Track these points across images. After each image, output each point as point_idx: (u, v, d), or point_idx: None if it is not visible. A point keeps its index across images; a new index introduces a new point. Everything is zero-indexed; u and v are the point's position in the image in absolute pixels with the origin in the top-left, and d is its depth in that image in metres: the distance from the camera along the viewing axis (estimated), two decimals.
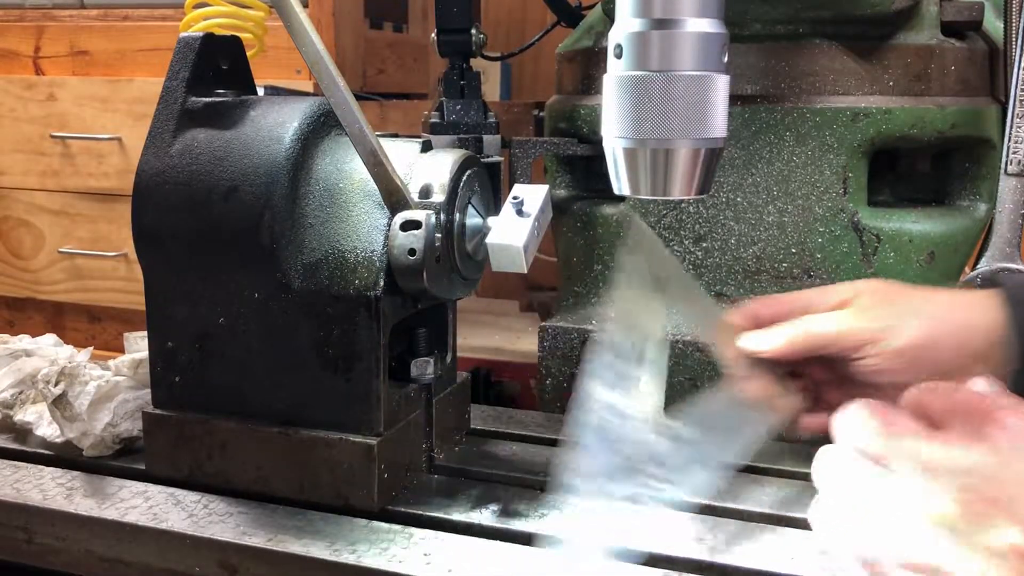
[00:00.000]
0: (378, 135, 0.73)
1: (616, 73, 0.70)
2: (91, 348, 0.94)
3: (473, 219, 0.77)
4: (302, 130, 0.76)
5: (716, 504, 0.76)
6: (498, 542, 0.71)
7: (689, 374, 1.03)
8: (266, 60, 0.92)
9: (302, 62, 0.69)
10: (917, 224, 1.02)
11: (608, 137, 0.72)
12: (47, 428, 0.86)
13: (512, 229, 0.73)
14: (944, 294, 0.71)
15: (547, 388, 1.11)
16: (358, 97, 0.72)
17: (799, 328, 0.69)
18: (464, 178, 0.76)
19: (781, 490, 0.79)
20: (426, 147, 0.78)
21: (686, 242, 1.05)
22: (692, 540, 0.71)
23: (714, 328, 0.73)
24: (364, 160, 0.72)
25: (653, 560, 0.68)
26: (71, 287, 1.90)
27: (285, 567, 0.69)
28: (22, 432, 0.89)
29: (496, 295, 2.18)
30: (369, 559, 0.68)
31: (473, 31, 1.19)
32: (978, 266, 0.98)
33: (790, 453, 0.86)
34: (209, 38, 0.81)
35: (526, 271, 0.73)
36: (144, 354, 0.85)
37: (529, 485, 0.81)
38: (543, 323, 1.10)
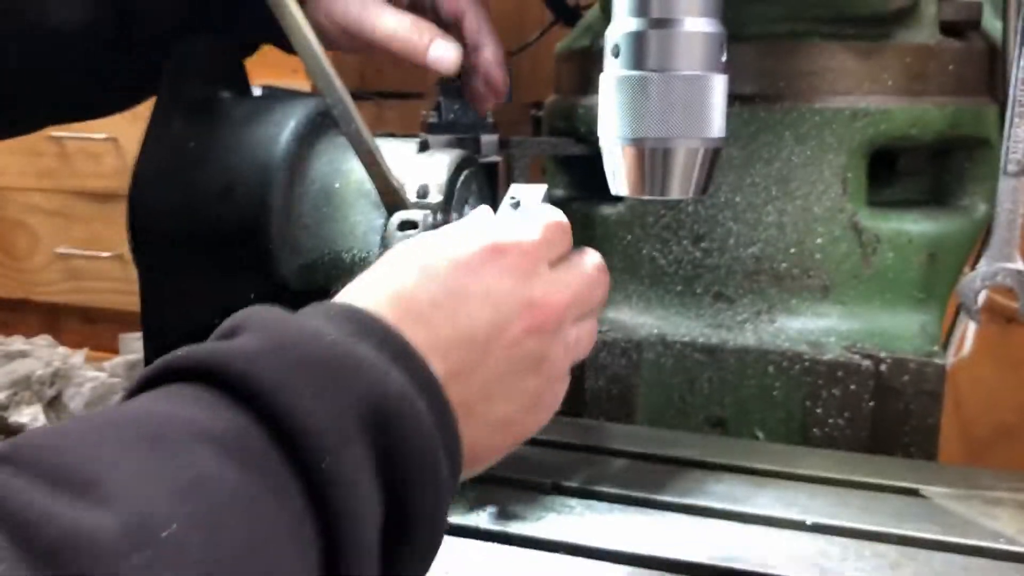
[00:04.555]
0: (375, 135, 0.73)
1: (613, 73, 0.69)
2: (86, 349, 0.94)
3: None
4: (298, 130, 0.76)
5: (715, 506, 0.76)
6: (495, 544, 0.70)
7: (688, 375, 1.03)
8: (263, 60, 0.92)
9: (299, 62, 0.69)
10: (917, 224, 1.02)
11: (605, 137, 0.72)
12: None
13: None
14: None
15: None
16: (355, 96, 0.72)
17: None
18: (462, 178, 0.76)
19: (778, 489, 0.79)
20: (423, 147, 0.78)
21: (685, 242, 1.05)
22: (691, 541, 0.70)
23: None
24: (361, 160, 0.72)
25: (653, 561, 0.67)
26: (67, 288, 1.90)
27: None
28: (16, 433, 0.89)
29: None
30: None
31: None
32: (977, 266, 0.98)
33: (789, 454, 0.86)
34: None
35: None
36: (139, 356, 0.84)
37: (528, 487, 0.80)
38: None
